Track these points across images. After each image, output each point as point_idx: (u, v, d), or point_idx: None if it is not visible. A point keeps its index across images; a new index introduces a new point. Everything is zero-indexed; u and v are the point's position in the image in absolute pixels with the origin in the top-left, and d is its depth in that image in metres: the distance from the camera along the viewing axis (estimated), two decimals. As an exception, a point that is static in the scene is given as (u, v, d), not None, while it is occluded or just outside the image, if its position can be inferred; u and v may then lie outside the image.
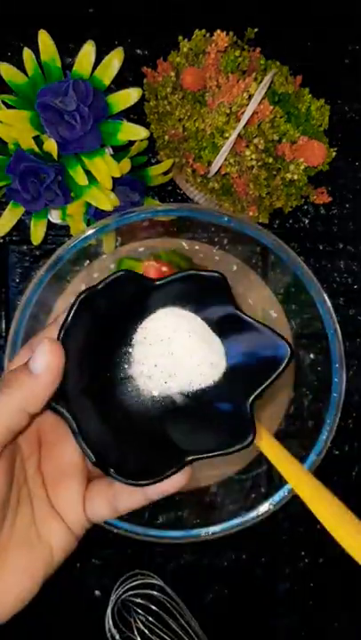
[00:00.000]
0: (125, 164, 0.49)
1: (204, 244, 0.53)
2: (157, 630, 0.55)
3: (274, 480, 0.48)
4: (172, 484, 0.29)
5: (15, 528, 0.28)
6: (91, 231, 0.46)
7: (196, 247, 0.51)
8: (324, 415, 0.46)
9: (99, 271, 0.52)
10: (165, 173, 0.54)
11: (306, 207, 0.61)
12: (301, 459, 0.46)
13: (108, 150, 0.50)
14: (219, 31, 0.49)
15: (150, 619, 0.55)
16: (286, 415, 0.51)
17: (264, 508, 0.45)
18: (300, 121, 0.51)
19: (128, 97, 0.48)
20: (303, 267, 0.46)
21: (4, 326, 0.58)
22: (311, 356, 0.49)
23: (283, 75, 0.51)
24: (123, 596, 0.56)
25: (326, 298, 0.46)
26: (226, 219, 0.46)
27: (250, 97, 0.47)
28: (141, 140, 0.50)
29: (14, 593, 0.27)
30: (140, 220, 0.46)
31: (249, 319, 0.32)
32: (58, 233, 0.56)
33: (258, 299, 0.52)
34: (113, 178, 0.48)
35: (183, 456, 0.29)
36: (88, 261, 0.52)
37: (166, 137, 0.52)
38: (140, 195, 0.51)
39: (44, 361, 0.26)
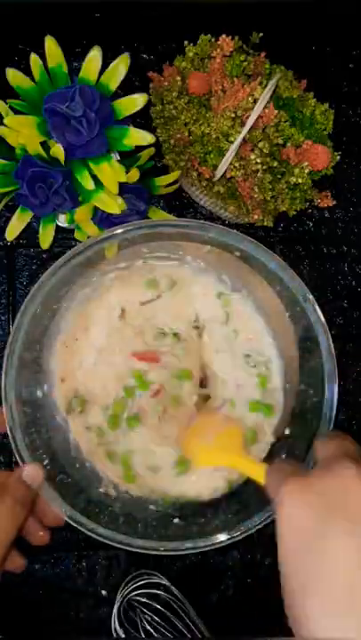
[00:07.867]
0: (134, 174, 0.49)
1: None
2: (163, 630, 0.55)
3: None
4: None
5: None
6: (101, 237, 0.46)
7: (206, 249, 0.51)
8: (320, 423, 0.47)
9: (102, 274, 0.53)
10: (172, 184, 0.54)
11: (310, 210, 0.61)
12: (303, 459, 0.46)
13: (115, 155, 0.51)
14: (224, 36, 0.49)
15: (156, 618, 0.56)
16: (292, 413, 0.52)
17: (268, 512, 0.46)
18: (305, 125, 0.51)
19: (134, 103, 0.48)
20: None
21: (11, 329, 0.59)
22: (312, 359, 0.50)
23: (287, 79, 0.51)
24: (129, 596, 0.56)
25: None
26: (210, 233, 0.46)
27: (255, 101, 0.48)
28: (149, 146, 0.50)
29: None
30: (145, 232, 0.47)
31: None
32: (64, 236, 0.57)
33: (264, 299, 0.52)
34: (119, 184, 0.48)
35: None
36: (92, 265, 0.52)
37: (172, 141, 0.52)
38: (146, 203, 0.52)
39: None
